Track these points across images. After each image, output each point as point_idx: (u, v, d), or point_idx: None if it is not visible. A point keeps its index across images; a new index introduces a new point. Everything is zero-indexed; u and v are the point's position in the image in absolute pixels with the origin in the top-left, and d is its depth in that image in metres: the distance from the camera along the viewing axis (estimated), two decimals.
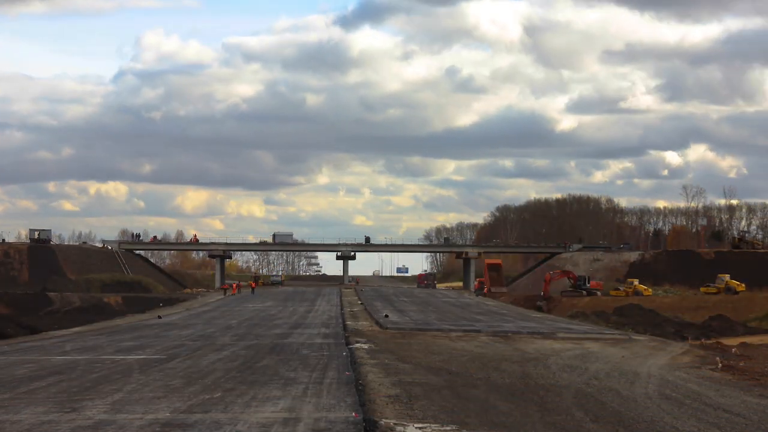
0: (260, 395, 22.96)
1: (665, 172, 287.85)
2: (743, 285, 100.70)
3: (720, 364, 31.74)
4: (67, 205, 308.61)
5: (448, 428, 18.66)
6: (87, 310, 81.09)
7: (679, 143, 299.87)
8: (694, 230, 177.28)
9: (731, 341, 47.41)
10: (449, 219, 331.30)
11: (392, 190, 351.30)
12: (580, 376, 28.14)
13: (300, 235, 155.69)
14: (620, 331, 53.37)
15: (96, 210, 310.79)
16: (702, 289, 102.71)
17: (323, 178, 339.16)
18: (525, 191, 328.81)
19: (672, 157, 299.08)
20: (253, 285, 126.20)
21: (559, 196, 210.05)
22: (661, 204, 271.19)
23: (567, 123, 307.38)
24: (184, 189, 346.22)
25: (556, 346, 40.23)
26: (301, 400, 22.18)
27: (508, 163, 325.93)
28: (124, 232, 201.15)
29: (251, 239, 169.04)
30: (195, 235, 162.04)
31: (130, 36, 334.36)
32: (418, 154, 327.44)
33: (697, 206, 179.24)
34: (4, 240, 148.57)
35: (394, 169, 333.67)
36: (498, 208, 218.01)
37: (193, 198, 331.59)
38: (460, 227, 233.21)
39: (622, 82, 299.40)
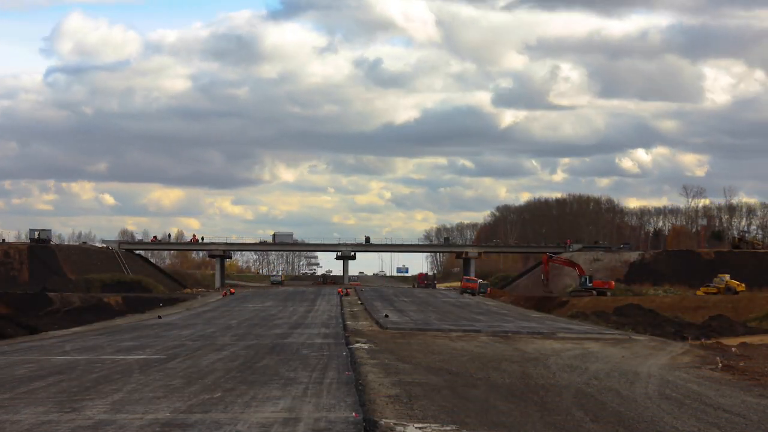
0: (260, 395, 22.96)
1: (627, 169, 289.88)
2: (743, 285, 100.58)
3: (720, 364, 31.74)
4: (30, 203, 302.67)
5: (448, 428, 18.66)
6: (87, 310, 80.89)
7: (633, 140, 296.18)
8: (694, 230, 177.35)
9: (731, 341, 47.41)
10: (428, 217, 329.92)
11: (353, 189, 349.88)
12: (580, 376, 28.14)
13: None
14: (620, 331, 53.38)
15: (65, 209, 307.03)
16: (702, 289, 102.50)
17: (286, 176, 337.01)
18: (493, 191, 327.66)
19: (628, 155, 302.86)
20: (233, 291, 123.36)
21: (558, 195, 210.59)
22: (633, 202, 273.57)
23: (507, 119, 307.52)
24: (147, 188, 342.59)
25: (556, 346, 40.24)
26: (301, 400, 22.19)
27: (465, 162, 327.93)
28: (124, 232, 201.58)
29: (234, 238, 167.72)
30: (195, 235, 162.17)
31: (65, 31, 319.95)
32: (368, 151, 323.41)
33: (697, 206, 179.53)
34: (4, 240, 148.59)
35: (349, 166, 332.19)
36: (498, 208, 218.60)
37: (162, 197, 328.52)
38: (460, 227, 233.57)
39: (555, 76, 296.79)
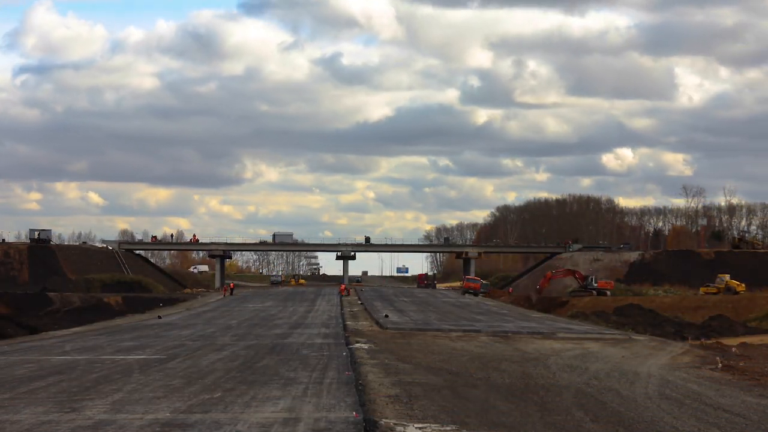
0: (260, 395, 22.96)
1: (609, 167, 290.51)
2: (743, 285, 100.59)
3: (720, 364, 31.75)
4: (14, 203, 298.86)
5: (448, 428, 18.66)
6: (87, 310, 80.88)
7: (610, 138, 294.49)
8: (694, 230, 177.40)
9: (731, 341, 47.42)
10: (419, 217, 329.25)
11: (337, 188, 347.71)
12: (580, 376, 28.15)
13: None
14: (620, 331, 53.38)
15: (53, 209, 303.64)
16: (702, 290, 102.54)
17: (269, 175, 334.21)
18: (479, 190, 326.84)
19: (607, 153, 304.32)
20: (232, 286, 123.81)
21: (558, 196, 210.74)
22: (620, 201, 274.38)
23: (481, 117, 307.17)
24: (132, 187, 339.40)
25: (556, 346, 40.24)
26: (301, 400, 22.18)
27: (446, 161, 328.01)
28: (124, 232, 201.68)
29: (229, 237, 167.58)
30: (195, 235, 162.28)
31: (30, 27, 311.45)
32: (346, 150, 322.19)
33: (697, 206, 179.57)
34: (4, 240, 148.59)
35: (329, 165, 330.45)
36: (498, 208, 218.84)
37: (149, 196, 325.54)
38: (460, 227, 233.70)
39: (523, 74, 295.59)
